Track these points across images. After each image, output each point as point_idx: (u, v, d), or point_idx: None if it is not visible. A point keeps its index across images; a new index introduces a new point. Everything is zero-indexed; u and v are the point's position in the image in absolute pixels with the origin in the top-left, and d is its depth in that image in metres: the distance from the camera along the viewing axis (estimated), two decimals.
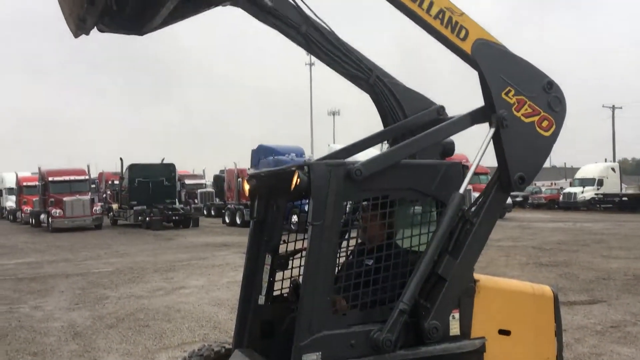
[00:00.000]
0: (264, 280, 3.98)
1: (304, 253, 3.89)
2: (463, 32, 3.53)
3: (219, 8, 3.60)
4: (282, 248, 4.05)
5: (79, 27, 3.26)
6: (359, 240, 3.94)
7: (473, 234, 3.46)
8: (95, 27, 3.33)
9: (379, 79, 3.95)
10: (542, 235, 21.00)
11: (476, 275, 3.65)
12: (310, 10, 3.68)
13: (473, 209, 3.56)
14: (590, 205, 40.66)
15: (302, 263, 3.77)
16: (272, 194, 3.97)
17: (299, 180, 3.17)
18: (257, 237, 4.03)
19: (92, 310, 9.56)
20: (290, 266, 4.07)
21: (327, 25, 3.76)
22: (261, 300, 3.98)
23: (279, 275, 4.07)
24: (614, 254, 15.24)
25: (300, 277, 3.86)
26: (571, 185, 46.68)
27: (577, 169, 49.34)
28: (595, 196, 41.22)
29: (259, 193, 3.98)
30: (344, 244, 3.87)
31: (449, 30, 3.50)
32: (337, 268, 3.55)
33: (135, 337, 7.71)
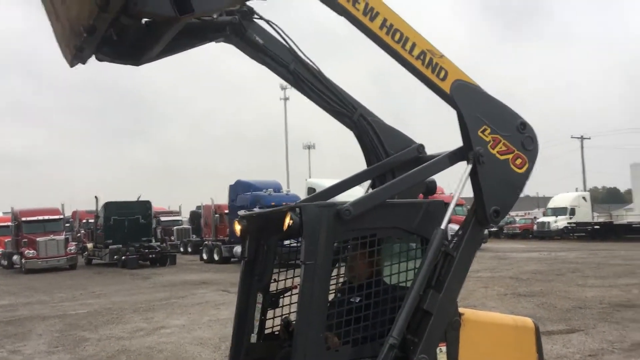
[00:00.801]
0: (255, 319, 4.07)
1: (294, 291, 4.02)
2: (443, 73, 3.76)
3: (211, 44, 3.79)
4: (272, 286, 4.15)
5: (76, 56, 3.33)
6: (347, 279, 4.08)
7: (454, 267, 3.63)
8: (93, 56, 3.42)
9: (363, 117, 4.15)
10: (518, 265, 21.33)
11: (461, 309, 3.80)
12: (299, 49, 3.89)
13: (452, 243, 3.73)
14: (564, 234, 41.41)
15: (293, 301, 3.90)
16: (263, 234, 4.09)
17: (291, 221, 3.31)
18: (248, 276, 4.13)
19: (73, 353, 9.44)
20: (281, 304, 4.18)
21: (314, 64, 3.97)
22: (253, 338, 4.05)
23: (270, 313, 4.17)
24: (589, 282, 15.56)
25: (291, 315, 3.98)
26: (544, 214, 47.53)
27: (550, 198, 50.33)
28: (568, 225, 42.03)
29: (250, 233, 4.09)
30: (334, 281, 3.99)
31: (429, 71, 3.73)
32: (328, 305, 3.68)
33: None
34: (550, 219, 43.97)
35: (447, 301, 3.62)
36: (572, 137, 63.86)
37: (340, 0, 3.44)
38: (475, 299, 12.91)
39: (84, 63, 3.41)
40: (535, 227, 45.02)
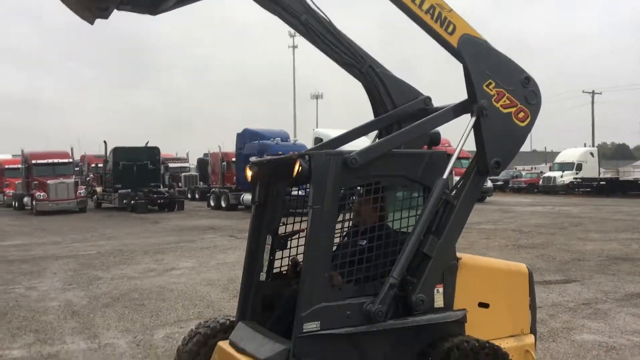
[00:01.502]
0: (265, 259, 4.32)
1: (302, 234, 4.25)
2: (451, 27, 3.88)
3: None
4: (281, 229, 4.38)
5: (98, 15, 3.49)
6: (353, 223, 4.30)
7: (454, 214, 3.83)
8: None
9: (372, 68, 4.26)
10: (522, 219, 21.61)
11: (459, 254, 4.03)
12: (311, 0, 3.97)
13: (454, 192, 3.92)
14: (569, 189, 41.52)
15: (300, 243, 4.13)
16: (273, 180, 4.30)
17: (300, 168, 3.50)
18: (259, 220, 4.35)
19: (87, 291, 9.83)
20: (289, 246, 4.42)
21: (326, 15, 4.06)
22: (262, 277, 4.32)
23: (278, 254, 4.42)
24: (590, 236, 15.83)
25: (298, 256, 4.22)
26: (551, 169, 47.55)
27: (558, 153, 50.20)
28: (574, 180, 42.09)
29: (261, 179, 4.30)
30: (340, 225, 4.21)
31: (438, 25, 3.85)
32: (334, 247, 3.91)
33: (132, 315, 8.03)
34: (556, 173, 44.03)
35: (445, 246, 3.84)
36: (583, 92, 63.16)
37: None
38: (476, 249, 13.20)
39: (106, 18, 3.54)
40: (541, 181, 45.12)
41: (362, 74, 4.28)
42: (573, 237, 15.60)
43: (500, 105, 3.95)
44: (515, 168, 57.03)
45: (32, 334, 7.21)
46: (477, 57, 3.89)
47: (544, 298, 8.32)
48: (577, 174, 43.23)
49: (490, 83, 3.91)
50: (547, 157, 69.14)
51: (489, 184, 35.04)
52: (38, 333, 7.22)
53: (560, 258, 12.09)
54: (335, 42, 4.11)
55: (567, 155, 46.43)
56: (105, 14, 3.51)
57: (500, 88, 3.93)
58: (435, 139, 4.30)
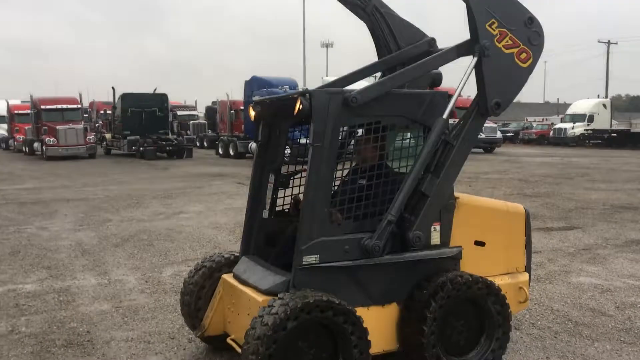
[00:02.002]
0: (267, 197, 4.43)
1: (303, 173, 4.34)
2: None
3: None
4: (283, 169, 4.48)
5: None
6: (354, 162, 4.38)
7: (453, 154, 3.89)
8: None
9: (376, 9, 4.24)
10: (529, 169, 21.62)
11: (456, 194, 4.11)
12: None
13: (454, 132, 3.97)
14: (580, 141, 41.28)
15: (302, 182, 4.22)
16: (276, 119, 4.36)
17: (301, 105, 3.56)
18: (262, 158, 4.44)
19: (97, 231, 10.07)
20: (291, 184, 4.52)
21: None
22: (265, 214, 4.44)
23: (281, 192, 4.52)
24: (596, 186, 15.87)
25: (300, 195, 4.32)
26: (562, 121, 47.12)
27: (570, 104, 49.63)
28: (585, 132, 41.77)
29: (264, 118, 4.36)
30: (341, 164, 4.29)
31: None
32: (334, 185, 4.00)
33: (141, 254, 8.25)
34: (567, 125, 43.67)
35: (443, 185, 3.91)
36: (598, 42, 61.84)
37: None
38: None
39: None
40: (551, 133, 44.82)
41: (367, 14, 4.26)
42: (579, 187, 15.65)
43: (503, 46, 3.94)
44: (526, 119, 56.63)
45: (44, 270, 7.45)
46: None
47: (545, 244, 8.46)
48: (588, 125, 42.85)
49: (492, 22, 3.89)
50: (560, 108, 68.34)
51: (498, 134, 34.86)
52: (50, 269, 7.46)
53: (564, 206, 12.18)
54: None
55: (579, 106, 45.91)
56: None
57: (503, 28, 3.92)
58: (437, 80, 4.32)
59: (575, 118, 44.11)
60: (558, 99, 77.70)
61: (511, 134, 47.42)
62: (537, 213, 11.16)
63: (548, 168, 22.05)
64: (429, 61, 4.00)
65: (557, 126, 45.36)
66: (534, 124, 52.31)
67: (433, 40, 4.44)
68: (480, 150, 32.62)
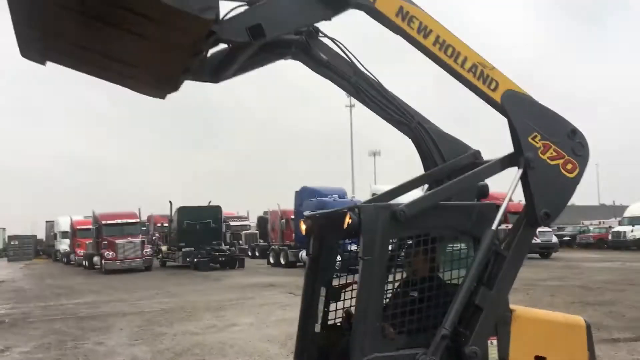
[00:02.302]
0: (319, 310, 4.45)
1: (354, 286, 4.37)
2: (494, 84, 4.02)
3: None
4: (335, 281, 4.52)
5: (170, 90, 3.84)
6: (405, 274, 4.39)
7: (505, 266, 3.86)
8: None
9: (420, 125, 4.42)
10: (589, 275, 20.75)
11: (512, 306, 4.03)
12: (359, 62, 4.21)
13: (504, 243, 3.97)
14: None
15: (354, 295, 4.24)
16: (326, 233, 4.47)
17: (350, 220, 3.67)
18: (313, 272, 4.51)
19: (151, 346, 10.13)
20: (342, 297, 4.54)
21: (374, 76, 4.28)
22: (317, 328, 4.43)
23: (332, 305, 4.53)
24: None
25: (352, 307, 4.32)
26: (620, 224, 45.56)
27: (627, 207, 48.15)
28: None
29: (314, 232, 4.48)
30: (392, 277, 4.31)
31: (480, 82, 4.00)
32: (385, 298, 4.00)
33: None
34: (626, 228, 42.11)
35: (498, 297, 3.85)
36: None
37: (397, 21, 3.77)
38: (540, 306, 12.74)
39: (177, 90, 3.88)
40: (610, 236, 43.26)
41: (411, 130, 4.43)
42: None
43: (547, 157, 4.01)
44: (582, 222, 55.03)
45: None
46: (520, 111, 4.00)
47: (612, 356, 7.99)
48: None
49: (535, 136, 3.99)
50: (616, 211, 66.29)
51: (554, 239, 33.87)
52: None
53: (630, 315, 11.54)
54: (384, 101, 4.30)
55: (637, 209, 44.44)
56: (176, 88, 3.85)
57: (546, 140, 4.01)
58: (484, 192, 4.37)
59: (634, 220, 42.54)
60: (614, 201, 75.61)
61: (568, 238, 46.02)
62: (601, 323, 10.60)
63: (609, 273, 21.11)
64: (475, 174, 4.10)
65: (615, 229, 43.79)
66: (591, 228, 50.72)
67: (478, 153, 4.55)
68: (537, 255, 31.65)
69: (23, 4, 2.98)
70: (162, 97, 3.94)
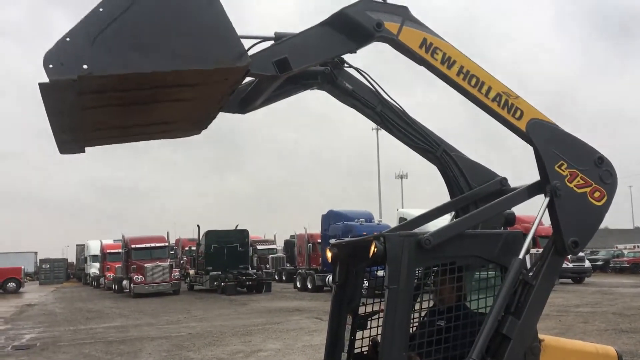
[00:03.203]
0: (345, 339, 4.43)
1: (381, 314, 4.36)
2: (518, 113, 4.02)
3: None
4: (361, 309, 4.51)
5: (203, 127, 3.93)
6: (432, 303, 4.36)
7: (533, 295, 3.81)
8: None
9: (446, 153, 4.43)
10: (624, 301, 20.20)
11: (541, 336, 3.97)
12: (384, 91, 4.25)
13: (532, 272, 3.93)
14: None
15: (380, 323, 4.23)
16: (352, 261, 4.48)
17: (376, 249, 3.68)
18: (339, 299, 4.51)
19: None
20: (369, 326, 4.52)
21: (399, 104, 4.32)
22: (344, 357, 4.41)
23: (359, 334, 4.52)
24: None
25: (379, 336, 4.31)
26: None
27: None
28: None
29: (340, 260, 4.49)
30: (418, 305, 4.29)
31: (505, 111, 4.01)
32: (412, 327, 3.98)
33: None
34: None
35: (525, 327, 3.81)
36: None
37: (421, 52, 3.82)
38: (573, 333, 12.50)
39: (208, 126, 3.97)
40: None
41: (437, 158, 4.45)
42: None
43: (574, 186, 3.98)
44: (616, 247, 53.76)
45: None
46: (546, 139, 3.98)
47: None
48: None
49: (562, 164, 3.97)
50: None
51: (587, 263, 33.11)
52: None
53: None
54: (409, 129, 4.34)
55: None
56: (209, 124, 3.96)
57: (573, 169, 3.98)
58: (510, 220, 4.35)
59: None
60: None
61: (601, 263, 44.96)
62: (636, 351, 10.31)
63: None
64: (501, 202, 4.08)
65: None
66: (625, 252, 49.48)
67: (505, 180, 4.54)
68: (569, 280, 30.97)
69: (61, 114, 3.05)
70: (198, 133, 4.04)
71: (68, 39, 2.69)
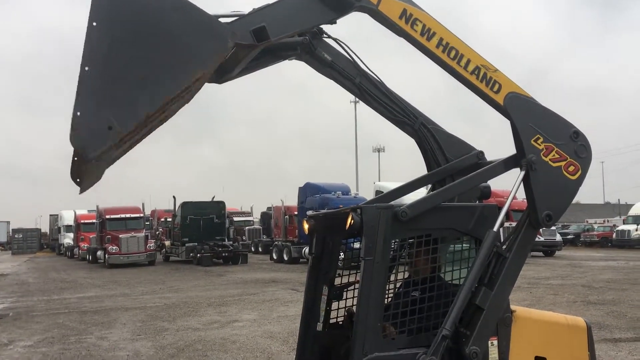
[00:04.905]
0: (321, 309, 4.47)
1: (356, 285, 4.39)
2: (497, 86, 4.02)
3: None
4: (337, 281, 4.54)
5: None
6: (407, 274, 4.40)
7: (507, 267, 3.87)
8: None
9: (423, 125, 4.42)
10: (592, 274, 20.73)
11: (513, 307, 4.04)
12: (363, 63, 4.20)
13: (506, 244, 3.98)
14: None
15: (356, 294, 4.26)
16: (328, 233, 4.49)
17: (352, 221, 3.68)
18: (315, 271, 4.53)
19: (154, 341, 10.18)
20: (344, 297, 4.56)
21: (377, 76, 4.28)
22: (319, 327, 4.45)
23: (334, 304, 4.56)
24: None
25: (354, 307, 4.35)
26: (624, 222, 45.48)
27: (632, 205, 48.04)
28: None
29: (317, 232, 4.50)
30: (394, 277, 4.32)
31: (483, 84, 4.00)
32: (387, 298, 4.02)
33: None
34: (630, 227, 42.04)
35: (498, 298, 3.87)
36: None
37: (400, 23, 3.78)
38: (543, 305, 12.80)
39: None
40: (614, 235, 43.19)
41: (415, 131, 4.43)
42: None
43: (550, 159, 4.01)
44: (587, 221, 54.98)
45: None
46: (523, 113, 4.00)
47: (613, 356, 7.99)
48: None
49: (538, 138, 3.99)
50: (621, 209, 66.14)
51: (558, 237, 33.83)
52: None
53: (632, 315, 11.54)
54: (387, 101, 4.30)
55: None
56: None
57: (549, 142, 4.01)
58: (486, 193, 4.38)
59: (639, 219, 42.51)
60: (619, 200, 75.34)
61: (572, 237, 45.96)
62: (603, 322, 10.61)
63: (613, 273, 21.09)
64: (478, 175, 4.10)
65: (619, 228, 43.72)
66: (595, 226, 50.65)
67: (481, 153, 4.55)
68: (540, 254, 31.63)
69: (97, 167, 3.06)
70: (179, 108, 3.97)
71: (79, 113, 2.71)
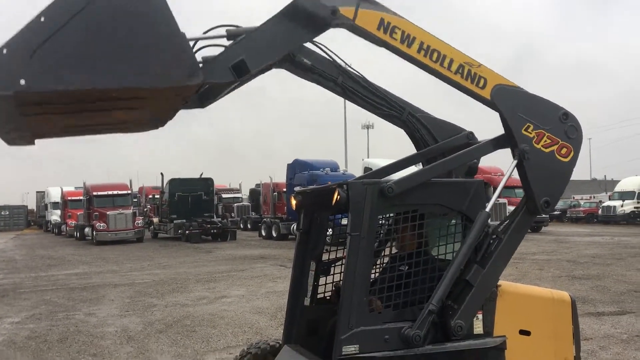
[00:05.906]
0: (309, 284, 4.49)
1: (344, 261, 4.40)
2: (482, 82, 3.97)
3: None
4: (324, 256, 4.55)
5: (159, 125, 3.77)
6: (394, 249, 4.42)
7: (501, 247, 3.89)
8: None
9: (411, 115, 4.37)
10: (578, 249, 20.99)
11: (498, 282, 4.08)
12: (344, 62, 4.11)
13: (502, 226, 3.99)
14: (630, 219, 39.98)
15: (343, 269, 4.28)
16: (316, 209, 4.49)
17: (339, 197, 3.68)
18: (303, 246, 4.54)
19: (142, 317, 10.20)
20: (332, 272, 4.58)
21: (360, 73, 4.20)
22: (307, 301, 4.48)
23: (322, 280, 4.58)
24: None
25: (341, 282, 4.36)
26: (610, 198, 45.97)
27: (618, 182, 48.52)
28: (635, 210, 40.54)
29: (305, 208, 4.49)
30: (381, 251, 4.34)
31: (469, 82, 3.95)
32: (373, 273, 4.04)
33: (184, 341, 8.29)
34: (616, 203, 42.51)
35: (489, 276, 3.89)
36: None
37: (379, 34, 3.71)
38: (528, 280, 12.96)
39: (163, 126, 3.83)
40: (600, 211, 43.68)
41: (403, 122, 4.37)
42: (631, 268, 15.07)
43: (542, 146, 3.99)
44: (573, 197, 55.48)
45: (90, 357, 7.56)
46: (510, 104, 3.96)
47: (596, 330, 8.13)
48: (638, 203, 41.61)
49: (528, 126, 3.96)
50: (608, 185, 66.80)
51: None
52: (96, 357, 7.57)
53: (616, 289, 11.72)
54: (372, 97, 4.20)
55: (628, 183, 44.77)
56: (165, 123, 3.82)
57: (539, 129, 3.98)
58: (473, 169, 4.39)
59: (624, 195, 42.95)
60: (605, 176, 76.11)
61: (558, 212, 46.37)
62: (587, 297, 10.77)
63: (597, 248, 21.37)
64: (466, 153, 4.10)
65: (605, 204, 44.19)
66: (582, 202, 51.15)
67: (471, 134, 4.52)
68: None
69: (3, 120, 2.89)
70: (155, 129, 3.88)
71: (5, 51, 2.51)
